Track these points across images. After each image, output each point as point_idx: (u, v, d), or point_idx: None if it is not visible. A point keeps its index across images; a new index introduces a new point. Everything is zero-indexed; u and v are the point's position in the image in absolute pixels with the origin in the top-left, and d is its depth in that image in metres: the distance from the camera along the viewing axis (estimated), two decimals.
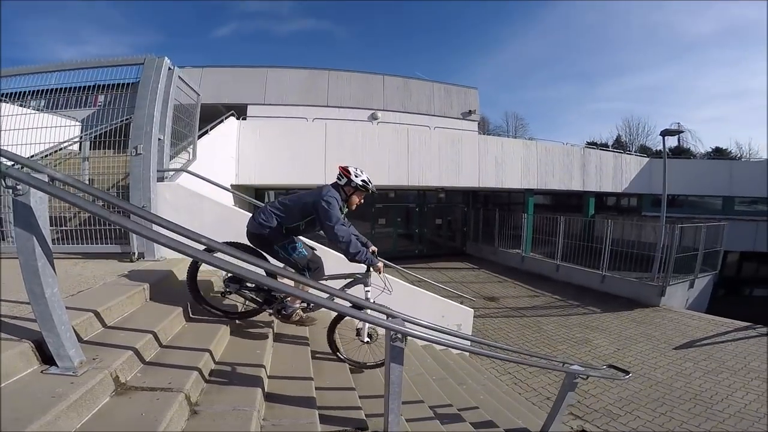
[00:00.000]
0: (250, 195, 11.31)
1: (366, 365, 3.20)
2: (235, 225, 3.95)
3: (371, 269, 2.93)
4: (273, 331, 3.01)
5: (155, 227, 1.80)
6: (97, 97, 4.00)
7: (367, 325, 3.00)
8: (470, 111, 16.75)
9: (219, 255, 1.76)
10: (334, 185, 2.88)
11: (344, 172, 2.87)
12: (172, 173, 4.21)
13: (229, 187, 7.32)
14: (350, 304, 2.14)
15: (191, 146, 5.08)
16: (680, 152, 29.85)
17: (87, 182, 3.92)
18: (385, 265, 3.21)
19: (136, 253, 3.61)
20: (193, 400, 1.78)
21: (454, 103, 16.67)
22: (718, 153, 30.42)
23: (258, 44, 52.50)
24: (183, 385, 1.74)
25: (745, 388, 4.65)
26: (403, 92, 15.89)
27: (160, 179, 3.87)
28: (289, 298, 2.91)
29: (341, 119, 13.40)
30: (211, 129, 8.26)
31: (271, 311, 2.97)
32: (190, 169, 4.59)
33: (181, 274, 3.40)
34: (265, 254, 2.83)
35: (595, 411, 4.22)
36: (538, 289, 9.73)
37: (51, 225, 3.38)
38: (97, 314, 2.07)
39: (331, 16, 54.77)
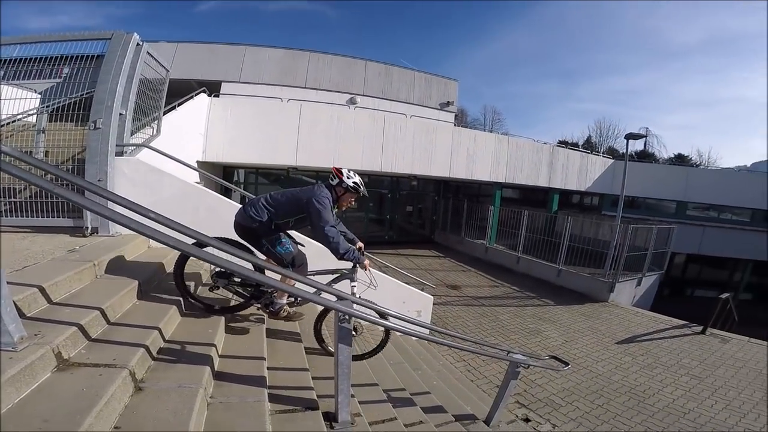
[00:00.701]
0: (218, 173, 11.09)
1: (362, 356, 3.45)
2: (193, 201, 3.96)
3: (357, 265, 3.04)
4: None
5: (110, 204, 1.79)
6: (62, 68, 3.86)
7: (353, 318, 3.12)
8: (448, 102, 16.89)
9: (174, 234, 1.76)
10: (327, 185, 2.94)
11: (337, 172, 2.95)
12: (132, 148, 4.10)
13: (195, 164, 7.15)
14: (336, 298, 2.24)
15: (156, 122, 4.95)
16: (645, 156, 31.23)
17: (43, 155, 3.81)
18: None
19: (89, 228, 3.51)
20: (139, 377, 1.81)
21: (434, 94, 16.77)
22: (680, 159, 32.01)
23: (242, 21, 50.76)
24: (128, 361, 1.77)
25: (675, 384, 5.01)
26: (384, 79, 15.83)
27: (119, 154, 3.78)
28: (276, 294, 2.98)
29: (318, 102, 13.24)
30: (179, 105, 8.02)
31: (259, 305, 3.04)
32: (152, 144, 4.47)
33: (135, 251, 3.38)
34: (250, 247, 2.87)
35: (539, 400, 4.47)
36: (499, 280, 10.07)
37: (0, 196, 3.29)
38: (42, 290, 2.04)
39: None
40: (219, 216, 3.80)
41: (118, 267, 2.87)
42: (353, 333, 3.14)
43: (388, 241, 14.94)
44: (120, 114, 3.70)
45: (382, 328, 3.48)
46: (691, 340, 6.63)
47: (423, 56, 58.38)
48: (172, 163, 4.58)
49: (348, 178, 2.94)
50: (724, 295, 7.46)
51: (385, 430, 2.62)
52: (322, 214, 2.72)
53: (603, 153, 23.22)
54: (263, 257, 2.85)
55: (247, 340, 2.78)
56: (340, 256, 2.80)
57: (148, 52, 4.03)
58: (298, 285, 2.26)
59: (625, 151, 10.32)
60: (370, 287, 3.13)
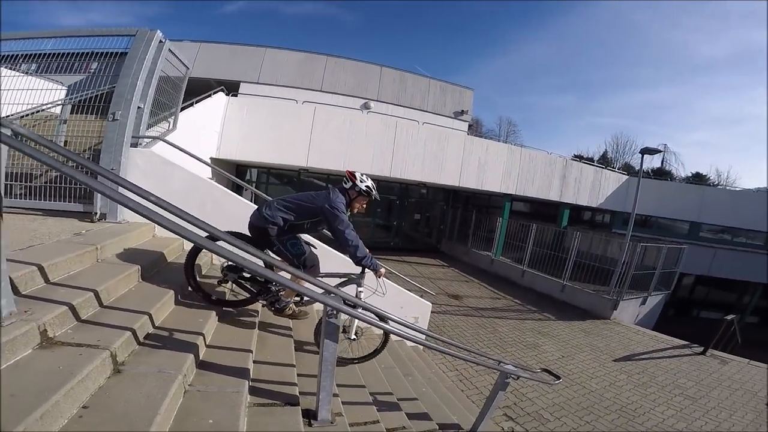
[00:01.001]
0: (231, 170, 11.30)
1: (352, 360, 3.51)
2: (201, 194, 4.07)
3: (366, 271, 3.10)
4: None
5: (120, 189, 1.84)
6: (89, 64, 4.06)
7: (356, 322, 3.17)
8: (463, 111, 16.88)
9: (174, 221, 1.81)
10: (340, 188, 3.00)
11: (350, 176, 3.01)
12: (148, 140, 4.25)
13: (208, 160, 7.30)
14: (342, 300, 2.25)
15: (173, 117, 5.11)
16: (662, 174, 30.62)
17: (63, 143, 3.98)
18: None
19: (98, 214, 3.64)
20: (120, 360, 1.85)
21: (448, 102, 16.77)
22: (698, 178, 31.25)
23: (264, 23, 52.15)
24: (111, 343, 1.81)
25: (667, 404, 4.92)
26: (399, 85, 15.92)
27: (134, 145, 3.92)
28: (283, 292, 3.04)
29: (332, 105, 13.40)
30: (197, 102, 8.23)
31: (264, 302, 3.11)
32: (167, 138, 4.61)
33: (140, 239, 3.49)
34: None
35: (527, 414, 4.41)
36: (501, 292, 9.97)
37: (18, 180, 3.46)
38: (41, 269, 2.11)
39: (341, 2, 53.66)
40: (225, 210, 3.92)
41: (120, 252, 2.97)
42: (355, 337, 3.22)
43: (394, 247, 14.92)
44: (138, 107, 3.86)
45: (379, 333, 3.50)
46: (690, 361, 6.49)
47: (439, 64, 58.70)
48: (185, 158, 4.71)
49: (361, 181, 2.99)
50: (729, 317, 7.31)
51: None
52: (339, 217, 2.77)
53: (618, 169, 22.82)
54: (276, 257, 2.89)
55: (237, 332, 2.82)
56: (358, 261, 2.85)
57: (169, 50, 4.20)
58: (306, 285, 2.30)
59: (639, 166, 10.12)
60: (377, 293, 3.14)
